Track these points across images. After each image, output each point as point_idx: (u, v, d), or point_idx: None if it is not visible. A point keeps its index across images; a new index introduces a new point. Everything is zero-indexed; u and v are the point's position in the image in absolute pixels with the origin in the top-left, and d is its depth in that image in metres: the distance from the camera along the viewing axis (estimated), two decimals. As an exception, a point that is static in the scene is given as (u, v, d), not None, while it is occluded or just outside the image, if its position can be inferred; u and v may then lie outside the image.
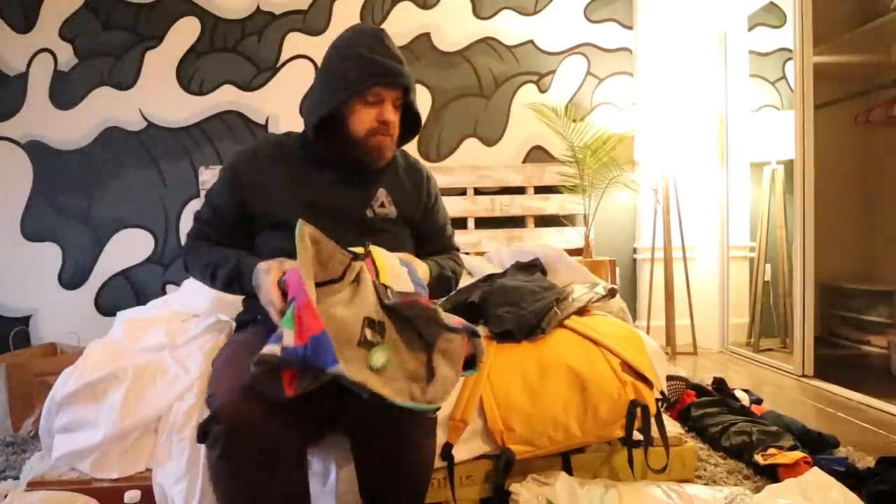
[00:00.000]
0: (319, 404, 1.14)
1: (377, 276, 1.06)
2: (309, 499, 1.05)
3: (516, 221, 3.23)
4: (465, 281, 1.70)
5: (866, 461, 1.64)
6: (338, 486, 1.17)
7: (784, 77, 3.33)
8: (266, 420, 0.95)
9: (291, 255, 1.24)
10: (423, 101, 3.23)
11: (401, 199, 1.38)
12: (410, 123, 1.38)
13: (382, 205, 1.34)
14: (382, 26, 3.17)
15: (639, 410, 1.31)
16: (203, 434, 0.97)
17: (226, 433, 0.94)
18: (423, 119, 3.20)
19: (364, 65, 1.23)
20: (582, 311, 1.56)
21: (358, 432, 1.08)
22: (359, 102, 1.25)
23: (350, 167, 1.32)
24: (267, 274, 1.10)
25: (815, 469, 1.15)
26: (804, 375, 2.62)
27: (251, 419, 0.95)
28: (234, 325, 1.56)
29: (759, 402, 2.10)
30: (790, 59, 2.79)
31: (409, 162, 1.47)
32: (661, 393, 1.40)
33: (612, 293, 1.65)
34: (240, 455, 0.96)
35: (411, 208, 1.39)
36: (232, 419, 0.95)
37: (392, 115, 1.27)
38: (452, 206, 1.75)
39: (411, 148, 2.91)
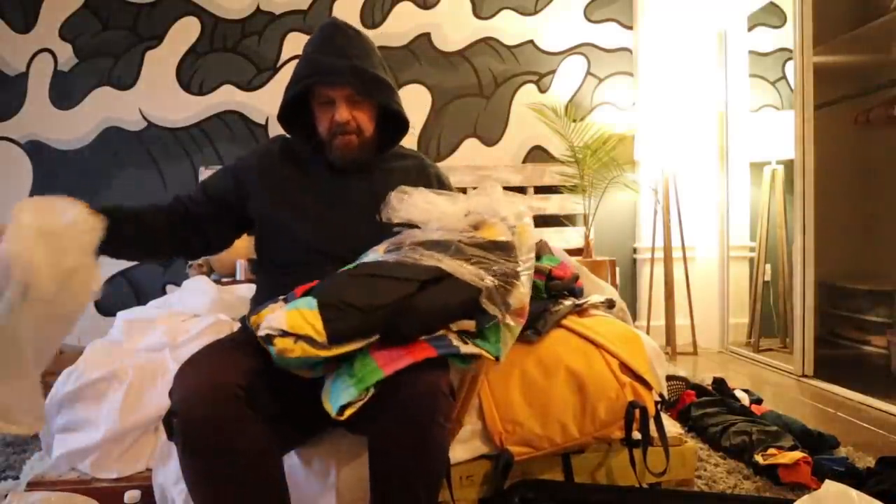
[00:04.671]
0: (304, 405, 1.11)
1: None
2: (286, 499, 1.02)
3: (516, 221, 3.22)
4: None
5: (866, 461, 1.65)
6: (338, 485, 1.17)
7: (784, 77, 3.33)
8: (226, 414, 0.93)
9: (295, 264, 1.24)
10: (423, 101, 3.23)
11: None
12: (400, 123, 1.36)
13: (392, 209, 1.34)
14: (382, 26, 3.18)
15: (637, 412, 1.31)
16: (169, 429, 0.95)
17: (183, 427, 0.92)
18: (424, 118, 3.23)
19: (305, 65, 1.26)
20: (581, 312, 1.56)
21: (378, 421, 1.00)
22: (316, 105, 1.28)
23: (357, 171, 1.32)
24: None
25: (829, 482, 1.12)
26: (804, 375, 2.62)
27: (208, 413, 0.92)
28: (234, 325, 1.56)
29: (759, 402, 2.10)
30: (790, 59, 2.79)
31: (418, 161, 1.46)
32: (661, 395, 1.40)
33: (609, 304, 1.64)
34: (200, 450, 0.93)
35: None
36: (188, 413, 0.92)
37: (345, 115, 1.25)
38: (452, 206, 1.80)
39: (411, 147, 2.91)
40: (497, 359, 1.08)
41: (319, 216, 1.28)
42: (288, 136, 1.38)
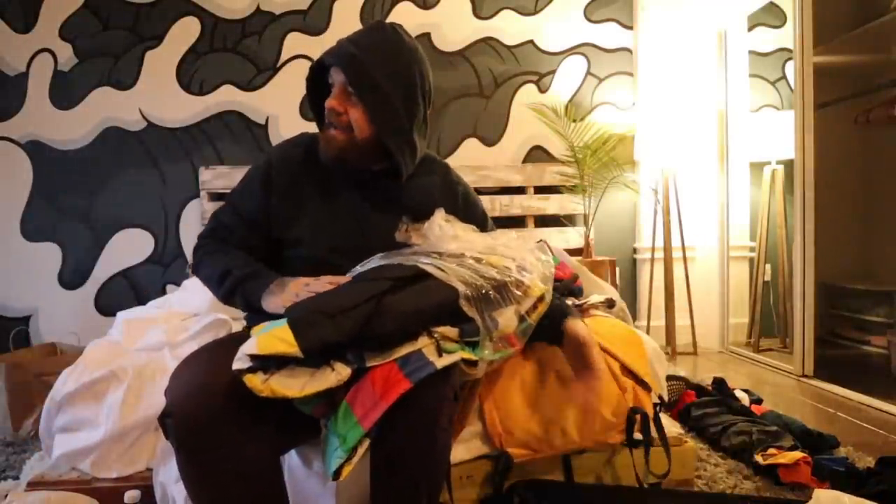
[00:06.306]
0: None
1: None
2: (283, 498, 1.01)
3: (516, 221, 3.22)
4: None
5: (866, 461, 1.65)
6: (338, 486, 1.17)
7: (784, 77, 3.33)
8: (219, 414, 0.92)
9: (306, 275, 1.16)
10: (423, 101, 3.22)
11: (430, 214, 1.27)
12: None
13: (408, 230, 1.24)
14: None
15: (638, 417, 1.31)
16: (165, 429, 0.95)
17: (177, 426, 0.92)
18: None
19: None
20: (582, 312, 1.56)
21: (382, 423, 0.96)
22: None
23: (376, 184, 1.26)
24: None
25: (818, 491, 1.13)
26: (804, 375, 2.62)
27: (201, 413, 0.92)
28: (234, 324, 1.56)
29: (759, 402, 2.10)
30: (790, 59, 2.79)
31: (445, 178, 1.35)
32: (660, 397, 1.40)
33: (609, 303, 1.64)
34: (195, 450, 0.93)
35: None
36: (183, 412, 0.92)
37: (334, 102, 1.15)
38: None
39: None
40: (476, 363, 1.05)
41: (334, 232, 1.22)
42: (312, 133, 1.31)
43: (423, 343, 1.01)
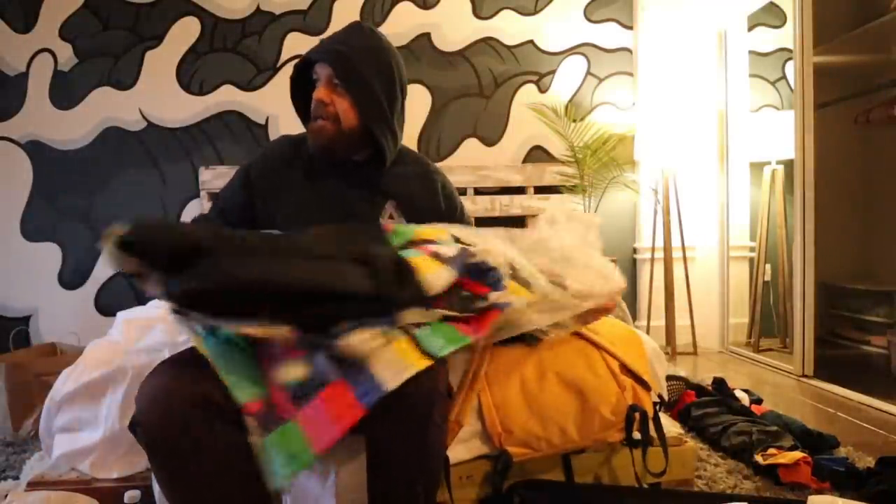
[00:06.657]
0: None
1: None
2: (264, 494, 0.97)
3: (516, 221, 3.23)
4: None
5: (866, 461, 1.65)
6: (338, 486, 1.17)
7: (784, 77, 3.33)
8: (184, 419, 0.91)
9: None
10: (423, 100, 3.23)
11: (414, 207, 1.34)
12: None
13: (391, 216, 1.31)
14: (382, 26, 3.18)
15: (637, 415, 1.31)
16: (136, 436, 0.95)
17: (146, 432, 0.92)
18: (424, 118, 3.22)
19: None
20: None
21: (376, 421, 0.94)
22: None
23: (359, 173, 1.32)
24: None
25: (812, 497, 1.14)
26: (804, 375, 2.62)
27: (165, 420, 0.91)
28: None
29: (759, 402, 2.10)
30: (790, 59, 2.79)
31: (423, 168, 1.44)
32: (660, 396, 1.40)
33: None
34: (164, 454, 0.93)
35: (427, 216, 1.32)
36: (149, 419, 0.92)
37: (322, 93, 1.25)
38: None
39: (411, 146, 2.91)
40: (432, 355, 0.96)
41: (321, 222, 1.23)
42: (293, 135, 1.40)
43: (399, 342, 0.96)
